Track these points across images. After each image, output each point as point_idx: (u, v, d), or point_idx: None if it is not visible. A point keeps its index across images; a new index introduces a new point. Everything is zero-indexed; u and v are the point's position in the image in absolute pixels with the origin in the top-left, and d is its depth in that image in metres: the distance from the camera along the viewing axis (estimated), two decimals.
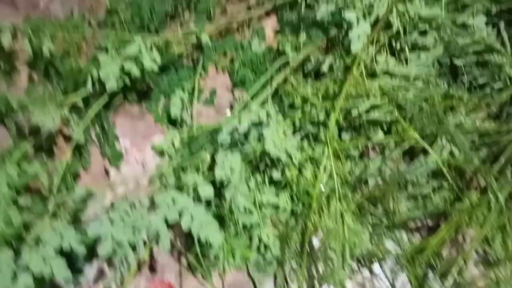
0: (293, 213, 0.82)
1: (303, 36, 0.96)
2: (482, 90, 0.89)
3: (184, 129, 0.89)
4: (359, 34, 0.83)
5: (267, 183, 0.81)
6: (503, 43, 0.90)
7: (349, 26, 0.82)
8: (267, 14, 1.06)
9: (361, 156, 0.87)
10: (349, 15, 0.82)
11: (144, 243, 0.72)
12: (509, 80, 0.85)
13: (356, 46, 0.82)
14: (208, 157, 0.79)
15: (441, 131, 0.80)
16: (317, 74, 0.93)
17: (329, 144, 0.80)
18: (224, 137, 0.76)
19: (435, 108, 0.83)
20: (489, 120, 0.87)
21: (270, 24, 1.04)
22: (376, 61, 0.87)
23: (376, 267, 0.80)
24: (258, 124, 0.78)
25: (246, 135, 0.79)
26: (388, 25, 0.89)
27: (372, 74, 0.86)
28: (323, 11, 0.88)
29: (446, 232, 0.74)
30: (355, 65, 0.83)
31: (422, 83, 0.86)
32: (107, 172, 0.89)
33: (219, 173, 0.73)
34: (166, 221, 0.67)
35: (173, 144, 0.86)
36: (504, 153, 0.79)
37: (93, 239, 0.68)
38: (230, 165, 0.74)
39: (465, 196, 0.76)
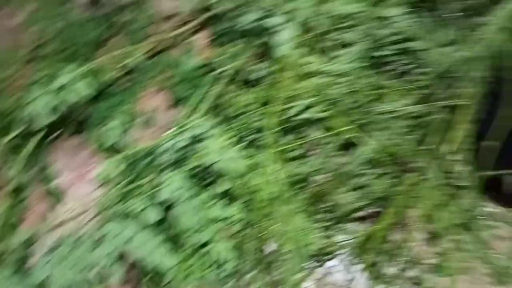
0: (246, 222, 0.83)
1: (237, 45, 0.97)
2: (409, 76, 0.93)
3: (125, 154, 0.88)
4: (285, 38, 0.85)
5: (215, 197, 0.81)
6: (427, 30, 0.95)
7: (274, 31, 0.84)
8: (201, 27, 1.06)
9: (305, 155, 0.89)
10: (273, 20, 0.84)
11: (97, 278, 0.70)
12: (433, 63, 0.89)
13: (282, 50, 0.84)
14: (151, 179, 0.79)
15: (373, 120, 0.83)
16: (254, 81, 0.94)
17: (272, 149, 0.82)
18: (164, 156, 0.76)
19: (366, 99, 0.86)
20: (420, 104, 0.91)
21: (203, 37, 1.05)
22: (306, 62, 0.89)
23: (332, 261, 0.82)
24: (199, 139, 0.79)
25: (187, 151, 0.79)
26: (314, 26, 0.91)
27: (303, 75, 0.89)
28: (248, 19, 0.89)
29: (391, 216, 0.77)
30: (286, 68, 0.85)
31: (352, 77, 0.89)
32: (49, 211, 0.86)
33: (164, 194, 0.73)
34: (115, 253, 0.66)
35: (115, 171, 0.85)
36: (431, 133, 0.84)
37: (40, 284, 0.66)
38: (175, 184, 0.74)
39: (403, 179, 0.79)
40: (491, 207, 0.86)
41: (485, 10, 0.86)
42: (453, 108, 0.86)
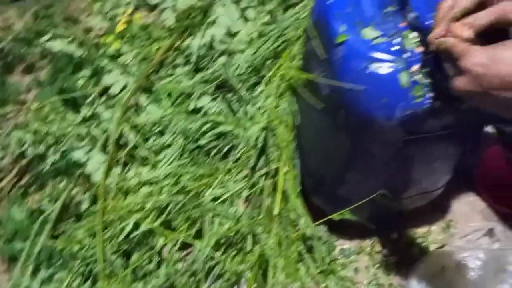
0: None
1: (57, 185, 0.95)
2: (232, 156, 0.98)
3: None
4: (96, 165, 0.85)
5: None
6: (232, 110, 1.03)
7: (81, 163, 0.84)
8: (20, 177, 1.03)
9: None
10: (77, 154, 0.84)
11: None
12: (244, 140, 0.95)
13: (97, 176, 0.84)
14: None
15: (209, 208, 0.85)
16: (82, 213, 0.93)
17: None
18: None
19: (197, 190, 0.89)
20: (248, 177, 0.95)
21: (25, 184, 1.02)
22: (126, 178, 0.90)
23: None
24: None
25: None
26: (125, 142, 0.94)
27: (128, 192, 0.89)
28: (57, 157, 0.89)
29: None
30: (108, 191, 0.85)
31: (177, 176, 0.92)
32: None
33: None
34: None
35: None
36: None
37: None
38: None
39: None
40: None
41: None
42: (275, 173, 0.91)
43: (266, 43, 1.03)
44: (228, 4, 1.09)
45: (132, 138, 0.92)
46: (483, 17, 0.54)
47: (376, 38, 0.65)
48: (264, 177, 0.90)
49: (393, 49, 0.64)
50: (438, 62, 0.60)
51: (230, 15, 1.08)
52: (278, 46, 1.03)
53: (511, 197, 1.03)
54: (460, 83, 0.52)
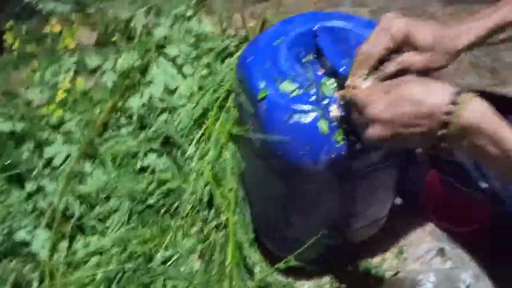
0: None
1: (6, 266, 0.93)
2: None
3: None
4: (41, 242, 0.84)
5: None
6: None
7: (27, 241, 0.83)
8: None
9: None
10: (21, 234, 0.83)
11: None
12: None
13: (43, 254, 0.83)
14: None
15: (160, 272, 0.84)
16: None
17: None
18: None
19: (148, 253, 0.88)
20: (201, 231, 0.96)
21: None
22: (76, 250, 0.89)
23: None
24: None
25: None
26: (70, 214, 0.93)
27: (76, 264, 0.88)
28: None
29: None
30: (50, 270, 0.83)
31: (126, 241, 0.91)
32: None
33: None
34: None
35: None
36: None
37: None
38: None
39: None
40: None
41: None
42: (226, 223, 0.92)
43: (205, 96, 1.06)
44: (164, 63, 1.13)
45: (77, 208, 0.91)
46: (389, 69, 0.59)
47: (294, 90, 0.69)
48: (215, 230, 0.91)
49: (310, 99, 0.68)
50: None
51: (167, 73, 1.11)
52: (218, 97, 1.07)
53: (454, 216, 1.08)
54: (371, 132, 0.55)
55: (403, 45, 0.59)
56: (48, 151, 1.01)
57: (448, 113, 0.48)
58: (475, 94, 0.49)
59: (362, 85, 0.59)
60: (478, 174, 0.82)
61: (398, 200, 1.12)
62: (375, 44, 0.58)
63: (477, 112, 0.47)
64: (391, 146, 0.59)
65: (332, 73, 0.72)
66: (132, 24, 1.49)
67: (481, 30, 0.59)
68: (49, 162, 1.02)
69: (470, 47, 0.60)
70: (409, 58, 0.59)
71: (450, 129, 0.48)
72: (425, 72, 0.61)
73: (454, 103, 0.48)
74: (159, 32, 1.24)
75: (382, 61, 0.61)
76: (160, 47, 1.23)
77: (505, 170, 0.50)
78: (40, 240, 0.84)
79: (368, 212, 0.90)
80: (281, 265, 0.79)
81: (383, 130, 0.54)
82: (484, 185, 0.82)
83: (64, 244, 0.89)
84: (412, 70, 0.59)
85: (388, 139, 0.54)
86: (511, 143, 0.47)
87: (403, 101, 0.52)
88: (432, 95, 0.50)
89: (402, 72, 0.59)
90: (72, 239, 0.92)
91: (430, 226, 1.09)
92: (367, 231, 0.98)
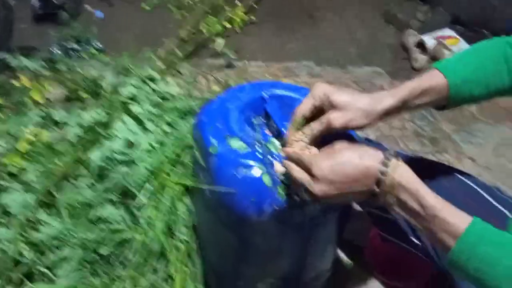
0: None
1: None
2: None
3: None
4: None
5: None
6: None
7: None
8: None
9: None
10: None
11: None
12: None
13: None
14: None
15: None
16: None
17: None
18: None
19: None
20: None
21: None
22: None
23: None
24: None
25: None
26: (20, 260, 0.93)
27: None
28: None
29: None
30: None
31: None
32: None
33: None
34: None
35: None
36: None
37: None
38: None
39: None
40: None
41: None
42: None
43: (165, 152, 1.12)
44: (127, 119, 1.19)
45: (27, 255, 0.92)
46: (316, 127, 0.69)
47: (242, 148, 0.76)
48: (165, 281, 0.93)
49: (257, 156, 0.76)
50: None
51: (129, 128, 1.18)
52: (176, 153, 1.13)
53: (395, 272, 1.14)
54: (318, 189, 0.62)
55: (324, 104, 0.69)
56: (5, 199, 1.02)
57: (382, 172, 0.58)
58: (400, 160, 0.60)
59: (297, 145, 0.69)
60: (409, 230, 0.90)
61: (344, 257, 1.19)
62: (303, 104, 0.70)
63: (403, 174, 0.59)
64: (331, 202, 0.67)
65: (277, 134, 0.82)
66: (100, 83, 1.58)
67: (398, 96, 0.70)
68: (5, 209, 1.03)
69: (390, 111, 0.69)
70: (329, 115, 0.68)
71: (382, 185, 0.59)
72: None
73: (385, 165, 0.58)
74: (126, 91, 1.32)
75: (312, 119, 0.70)
76: (126, 105, 1.31)
77: (423, 229, 0.59)
78: None
79: (313, 263, 0.95)
80: None
81: (328, 188, 0.62)
82: (415, 240, 0.90)
83: None
84: (334, 127, 0.67)
85: (331, 196, 0.62)
86: (427, 199, 0.58)
87: (342, 164, 0.61)
88: (366, 159, 0.60)
89: (327, 131, 0.68)
90: (20, 285, 0.92)
91: (374, 282, 1.15)
92: (314, 284, 1.02)
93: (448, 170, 0.89)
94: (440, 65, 0.74)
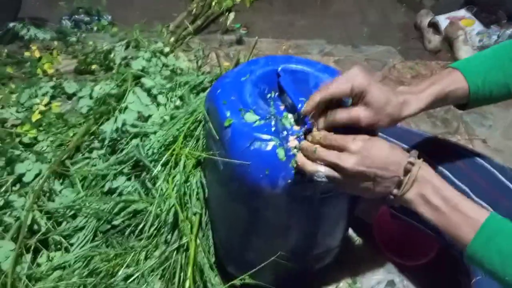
0: None
1: None
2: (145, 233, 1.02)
3: None
4: (5, 254, 0.86)
5: None
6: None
7: None
8: None
9: None
10: None
11: None
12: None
13: (5, 266, 0.85)
14: None
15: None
16: None
17: None
18: None
19: (111, 271, 0.91)
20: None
21: None
22: (40, 264, 0.91)
23: None
24: None
25: None
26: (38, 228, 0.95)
27: (39, 277, 0.90)
28: None
29: None
30: (12, 282, 0.85)
31: (90, 258, 0.94)
32: None
33: None
34: None
35: None
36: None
37: None
38: None
39: None
40: None
41: None
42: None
43: (176, 125, 1.13)
44: (139, 91, 1.20)
45: (43, 224, 0.94)
46: (342, 117, 0.68)
47: (256, 121, 0.76)
48: (175, 252, 0.95)
49: (271, 129, 0.76)
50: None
51: (141, 101, 1.18)
52: (188, 127, 1.14)
53: (403, 250, 1.15)
54: (350, 161, 0.62)
55: (357, 98, 0.67)
56: (19, 169, 1.04)
57: (410, 163, 0.61)
58: (423, 160, 0.62)
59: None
60: None
61: (353, 233, 1.20)
62: (337, 86, 0.66)
63: (428, 169, 0.61)
64: (351, 189, 0.67)
65: (291, 108, 0.81)
66: (111, 55, 1.57)
67: (424, 103, 0.70)
68: (19, 178, 1.05)
69: (413, 115, 0.70)
70: (359, 112, 0.67)
71: (409, 175, 0.60)
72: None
73: (413, 159, 0.61)
74: (137, 64, 1.32)
75: (329, 106, 0.69)
76: (137, 78, 1.31)
77: (441, 225, 0.61)
78: (3, 252, 0.86)
79: (322, 239, 0.96)
80: (236, 282, 0.83)
81: (361, 162, 0.62)
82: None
83: (27, 258, 0.90)
84: (359, 125, 0.67)
85: (360, 173, 0.62)
86: (448, 193, 0.60)
87: (377, 146, 0.63)
88: (395, 154, 0.62)
89: (351, 123, 0.68)
90: (36, 253, 0.94)
91: (381, 259, 1.16)
92: (322, 259, 1.04)
93: (463, 151, 0.89)
94: (460, 66, 0.74)
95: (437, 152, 0.89)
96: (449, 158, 0.87)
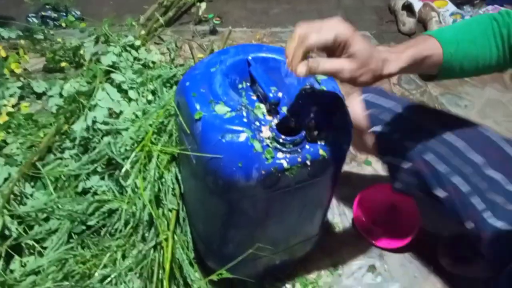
0: None
1: None
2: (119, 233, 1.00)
3: None
4: None
5: None
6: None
7: None
8: None
9: None
10: None
11: None
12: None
13: None
14: None
15: None
16: None
17: None
18: None
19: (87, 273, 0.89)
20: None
21: None
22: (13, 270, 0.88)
23: None
24: None
25: None
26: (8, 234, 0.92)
27: (11, 284, 0.87)
28: None
29: None
30: None
31: (63, 261, 0.91)
32: None
33: None
34: None
35: None
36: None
37: None
38: None
39: None
40: None
41: None
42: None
43: (148, 120, 1.10)
44: (109, 87, 1.16)
45: (14, 229, 0.91)
46: (325, 67, 0.62)
47: (227, 112, 0.75)
48: (153, 249, 0.93)
49: (243, 120, 0.74)
50: (282, 127, 0.71)
51: (111, 97, 1.15)
52: (161, 121, 1.11)
53: (381, 234, 1.16)
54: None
55: (340, 50, 0.61)
56: None
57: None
58: None
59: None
60: (435, 182, 0.89)
61: (333, 219, 1.20)
62: (320, 35, 0.59)
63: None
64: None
65: (263, 98, 0.80)
66: (81, 52, 1.53)
67: (404, 62, 0.68)
68: None
69: (393, 75, 0.68)
70: (343, 63, 0.61)
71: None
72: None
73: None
74: (107, 60, 1.28)
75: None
76: (108, 74, 1.27)
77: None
78: None
79: (301, 228, 0.96)
80: (214, 276, 0.82)
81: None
82: (440, 193, 0.89)
83: None
84: (341, 78, 0.62)
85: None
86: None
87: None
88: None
89: (334, 75, 0.63)
90: (8, 259, 0.91)
91: (362, 245, 1.17)
92: (302, 248, 1.03)
93: (473, 125, 0.92)
94: (435, 34, 0.74)
95: (453, 125, 0.90)
96: (464, 131, 0.89)
